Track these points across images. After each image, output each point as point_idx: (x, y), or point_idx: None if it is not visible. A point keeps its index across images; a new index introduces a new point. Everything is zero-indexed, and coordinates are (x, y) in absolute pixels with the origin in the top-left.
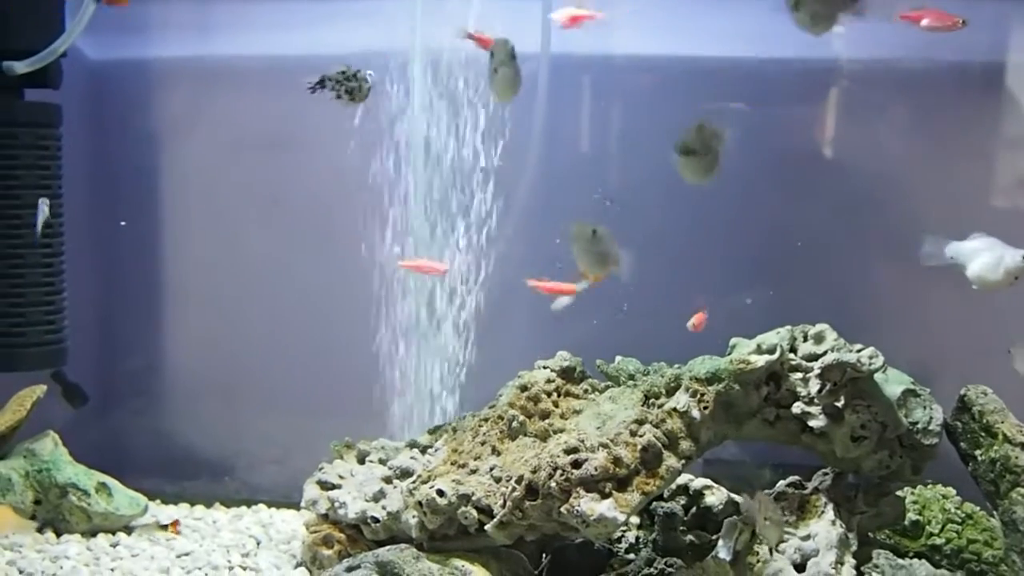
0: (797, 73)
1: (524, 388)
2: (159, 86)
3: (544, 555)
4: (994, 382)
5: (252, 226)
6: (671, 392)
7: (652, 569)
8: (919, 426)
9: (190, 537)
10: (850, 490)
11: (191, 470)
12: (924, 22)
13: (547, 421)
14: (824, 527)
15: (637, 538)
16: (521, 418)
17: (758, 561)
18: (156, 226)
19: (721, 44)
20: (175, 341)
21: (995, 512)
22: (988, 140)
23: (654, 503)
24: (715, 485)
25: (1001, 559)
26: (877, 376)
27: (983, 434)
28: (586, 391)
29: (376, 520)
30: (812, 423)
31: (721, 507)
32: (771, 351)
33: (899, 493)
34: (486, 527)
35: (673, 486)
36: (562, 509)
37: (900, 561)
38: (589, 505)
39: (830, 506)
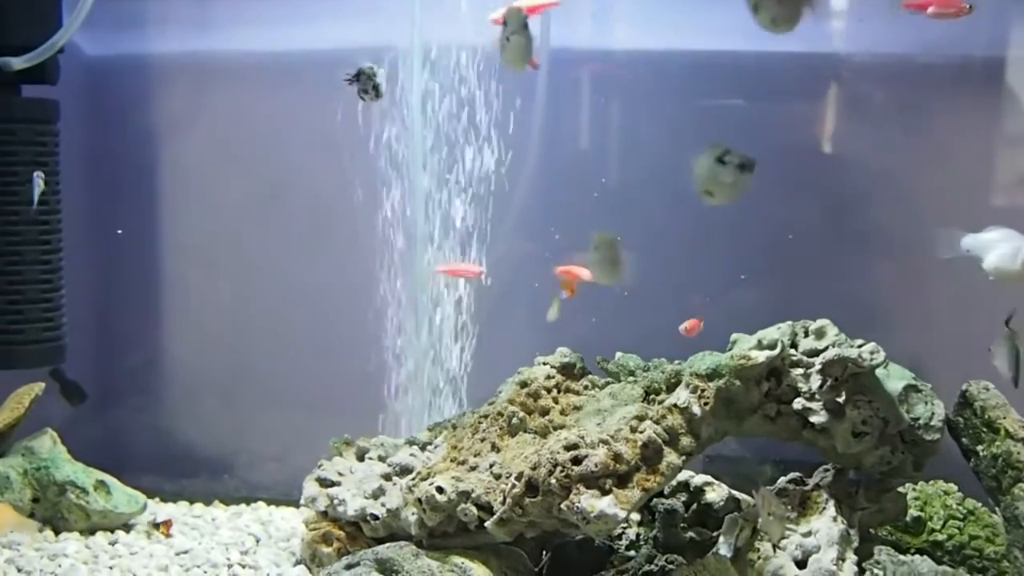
0: (796, 68)
1: (524, 384)
2: (157, 82)
3: (544, 552)
4: (996, 377)
5: (251, 223)
6: (671, 388)
7: (653, 566)
8: (921, 422)
9: (189, 535)
10: (851, 486)
11: (190, 468)
12: (930, 9)
13: (547, 417)
14: (825, 523)
15: (638, 535)
16: (521, 414)
17: (759, 558)
18: (155, 222)
19: (720, 38)
20: (174, 338)
21: (997, 508)
22: (988, 136)
23: (655, 500)
24: (716, 482)
25: (1003, 555)
26: (878, 371)
27: (985, 430)
28: (586, 387)
29: (375, 517)
30: (813, 419)
31: (722, 504)
32: (772, 347)
33: (900, 489)
34: (486, 524)
35: (674, 483)
36: (562, 506)
37: (902, 557)
38: (589, 501)
39: (831, 502)
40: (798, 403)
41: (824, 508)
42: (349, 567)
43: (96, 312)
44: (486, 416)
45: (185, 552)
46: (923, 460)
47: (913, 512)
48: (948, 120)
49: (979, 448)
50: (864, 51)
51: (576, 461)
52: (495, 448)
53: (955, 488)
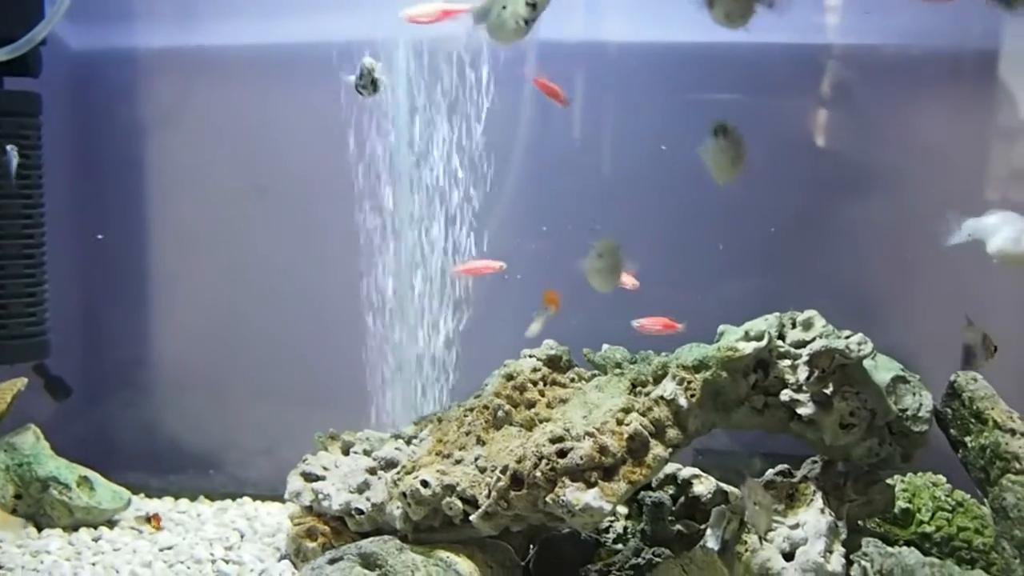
0: (790, 60)
1: (510, 377)
2: (143, 75)
3: (531, 546)
4: (984, 368)
5: (239, 217)
6: (658, 380)
7: (640, 559)
8: (909, 413)
9: (174, 531)
10: (839, 478)
11: (177, 463)
12: None
13: (533, 410)
14: (813, 515)
15: (625, 528)
16: (507, 407)
17: (747, 550)
18: (141, 217)
19: (713, 30)
20: (161, 333)
21: (985, 499)
22: (980, 128)
23: (642, 492)
24: (703, 474)
25: (991, 547)
26: (866, 363)
27: (973, 420)
28: (573, 380)
29: (360, 512)
30: (801, 411)
31: (709, 496)
32: (759, 338)
33: (889, 481)
34: (471, 518)
35: (661, 475)
36: (548, 499)
37: (890, 549)
38: (575, 495)
39: (819, 494)
40: (786, 395)
41: (812, 500)
42: (332, 561)
43: (82, 307)
44: (472, 409)
45: (169, 548)
46: (911, 451)
47: (901, 504)
48: (940, 112)
49: (967, 439)
50: (856, 43)
51: (561, 454)
52: (480, 441)
53: (944, 479)
